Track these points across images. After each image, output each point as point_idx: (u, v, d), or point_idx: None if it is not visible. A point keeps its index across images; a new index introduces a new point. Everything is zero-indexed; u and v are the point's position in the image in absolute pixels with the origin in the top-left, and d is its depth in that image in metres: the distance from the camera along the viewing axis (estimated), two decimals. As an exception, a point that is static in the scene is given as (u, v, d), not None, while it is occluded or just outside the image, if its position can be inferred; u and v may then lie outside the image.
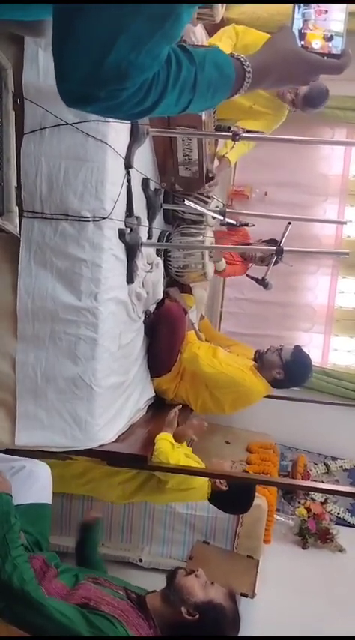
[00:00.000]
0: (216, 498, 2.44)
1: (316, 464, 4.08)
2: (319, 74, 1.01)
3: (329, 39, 0.98)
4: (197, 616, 1.67)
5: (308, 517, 3.59)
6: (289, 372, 2.85)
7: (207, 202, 2.81)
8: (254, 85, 0.98)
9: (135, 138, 2.10)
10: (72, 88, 0.77)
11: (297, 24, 0.99)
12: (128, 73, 0.75)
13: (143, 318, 2.51)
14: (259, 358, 2.93)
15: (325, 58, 0.99)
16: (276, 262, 2.45)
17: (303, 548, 3.55)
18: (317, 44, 0.99)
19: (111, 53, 0.72)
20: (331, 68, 1.00)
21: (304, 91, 2.94)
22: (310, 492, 3.77)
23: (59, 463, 2.29)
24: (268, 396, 3.02)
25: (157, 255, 2.66)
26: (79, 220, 1.90)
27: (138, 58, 0.74)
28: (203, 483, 2.42)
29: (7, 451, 2.01)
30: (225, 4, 2.98)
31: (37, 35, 1.60)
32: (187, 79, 0.87)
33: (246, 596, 2.71)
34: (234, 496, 2.42)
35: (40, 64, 1.82)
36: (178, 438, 2.44)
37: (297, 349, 2.91)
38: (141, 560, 2.92)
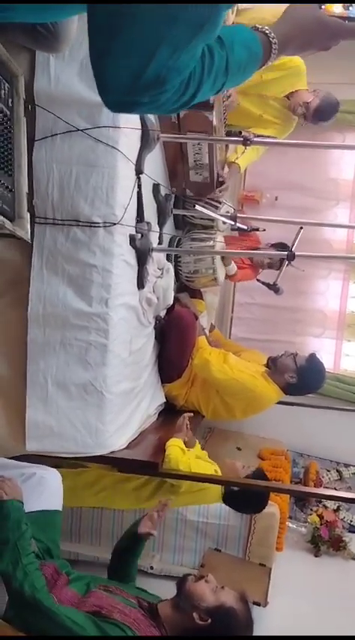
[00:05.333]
0: (230, 498, 2.43)
1: (328, 470, 4.04)
2: (340, 38, 1.03)
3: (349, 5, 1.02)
4: (209, 621, 1.66)
5: (321, 524, 3.55)
6: (302, 376, 2.83)
7: (217, 207, 2.81)
8: (279, 54, 1.00)
9: (145, 143, 2.10)
10: (115, 98, 0.79)
11: None
12: (168, 78, 0.77)
13: (154, 323, 2.50)
14: (273, 362, 2.91)
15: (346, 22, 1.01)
16: (286, 267, 2.44)
17: (316, 556, 3.51)
18: (337, 9, 1.02)
19: (152, 63, 0.73)
20: (352, 31, 1.02)
21: (315, 104, 2.95)
22: (322, 499, 3.74)
23: (70, 472, 2.28)
24: (279, 402, 3.00)
25: (168, 260, 2.66)
26: (90, 226, 1.90)
27: (177, 63, 0.76)
28: (214, 485, 2.40)
29: (17, 457, 2.01)
30: (234, 11, 2.98)
31: (50, 50, 1.61)
32: (220, 65, 0.88)
33: (258, 604, 2.68)
34: (246, 496, 2.41)
35: (52, 70, 1.83)
36: (187, 444, 2.43)
37: (312, 356, 2.90)
38: (152, 568, 2.89)
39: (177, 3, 0.69)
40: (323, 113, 2.98)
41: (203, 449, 2.75)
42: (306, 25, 1.02)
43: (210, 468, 2.35)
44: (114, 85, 0.76)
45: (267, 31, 0.98)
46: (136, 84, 0.75)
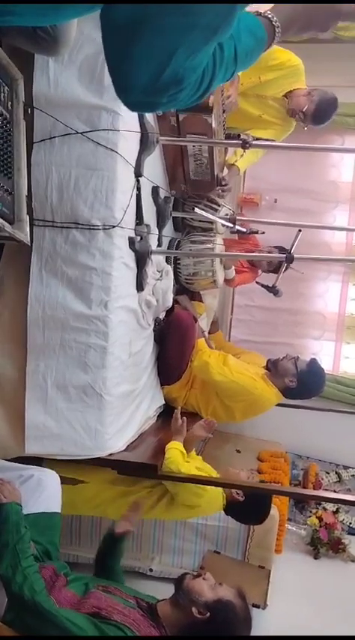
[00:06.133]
0: (232, 509, 2.42)
1: (328, 472, 4.04)
2: (339, 19, 1.07)
3: None
4: (207, 615, 1.65)
5: (320, 527, 3.54)
6: (302, 381, 2.83)
7: (216, 210, 2.81)
8: (282, 36, 1.05)
9: (145, 146, 2.10)
10: (134, 99, 0.82)
11: None
12: (185, 77, 0.80)
13: (153, 325, 2.51)
14: (273, 365, 2.91)
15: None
16: (286, 269, 2.44)
17: (315, 558, 3.50)
18: None
19: (169, 65, 0.76)
20: (351, 13, 1.06)
21: (311, 110, 2.95)
22: (322, 502, 3.74)
23: (70, 488, 2.26)
24: (279, 404, 3.00)
25: (167, 262, 2.66)
26: (90, 229, 1.91)
27: (193, 62, 0.79)
28: (215, 497, 2.38)
29: (18, 459, 2.02)
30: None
31: (50, 54, 1.62)
32: (229, 56, 0.93)
33: (257, 607, 2.67)
34: (250, 506, 2.39)
35: (51, 74, 1.84)
36: (189, 442, 2.42)
37: (313, 360, 2.90)
38: (151, 570, 2.89)
39: (194, 4, 0.71)
40: (320, 117, 2.98)
41: (202, 451, 2.75)
42: (307, 7, 1.06)
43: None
44: (134, 88, 0.79)
45: (270, 15, 1.03)
46: (155, 85, 0.78)
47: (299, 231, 2.28)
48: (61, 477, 2.04)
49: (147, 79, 0.77)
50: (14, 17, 0.93)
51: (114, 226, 1.92)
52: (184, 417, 2.50)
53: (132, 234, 2.10)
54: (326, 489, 3.86)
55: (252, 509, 2.42)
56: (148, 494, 2.41)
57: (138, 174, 2.10)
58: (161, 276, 2.51)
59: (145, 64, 0.75)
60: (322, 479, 3.93)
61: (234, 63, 0.94)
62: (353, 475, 4.06)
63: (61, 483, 2.02)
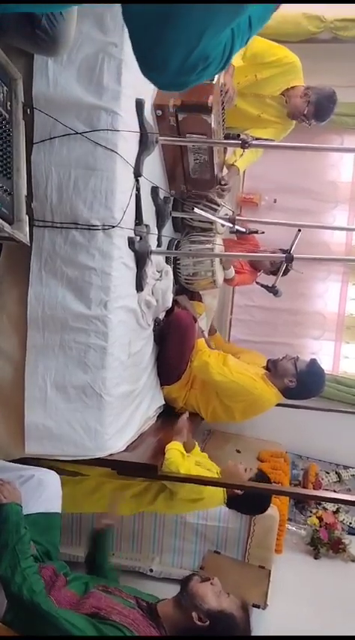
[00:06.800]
0: (233, 501, 2.44)
1: (328, 472, 4.04)
2: None
3: None
4: (207, 623, 1.65)
5: (320, 527, 3.54)
6: (302, 381, 2.83)
7: (216, 210, 2.81)
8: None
9: (144, 146, 2.10)
10: (165, 80, 0.88)
11: None
12: (210, 54, 0.86)
13: (153, 326, 2.51)
14: (273, 365, 2.91)
15: None
16: (287, 270, 2.44)
17: (315, 558, 3.50)
18: None
19: (198, 47, 0.81)
20: None
21: (311, 112, 2.96)
22: (322, 502, 3.74)
23: (70, 480, 2.27)
24: (279, 404, 3.00)
25: (167, 263, 2.66)
26: (89, 229, 1.90)
27: (219, 39, 0.85)
28: (215, 491, 2.40)
29: (17, 461, 2.01)
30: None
31: (49, 54, 1.62)
32: (244, 25, 0.98)
33: (257, 607, 2.67)
34: (250, 497, 2.41)
35: (50, 74, 1.84)
36: (188, 443, 2.43)
37: (313, 361, 2.90)
38: (151, 570, 2.89)
39: None
40: (322, 115, 3.00)
41: (202, 451, 2.75)
42: None
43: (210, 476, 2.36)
44: (166, 71, 0.84)
45: None
46: (185, 66, 0.83)
47: (299, 230, 2.28)
48: (60, 469, 2.05)
49: (178, 62, 0.82)
50: (17, 5, 0.95)
51: (113, 226, 1.91)
52: (185, 417, 2.50)
53: (132, 235, 2.10)
54: (326, 489, 3.86)
55: (252, 500, 2.45)
56: (147, 489, 2.42)
57: (137, 174, 2.09)
58: (160, 277, 2.51)
59: (176, 48, 0.81)
60: (322, 479, 3.93)
61: (249, 31, 0.99)
62: (353, 475, 4.06)
63: (61, 475, 2.02)
